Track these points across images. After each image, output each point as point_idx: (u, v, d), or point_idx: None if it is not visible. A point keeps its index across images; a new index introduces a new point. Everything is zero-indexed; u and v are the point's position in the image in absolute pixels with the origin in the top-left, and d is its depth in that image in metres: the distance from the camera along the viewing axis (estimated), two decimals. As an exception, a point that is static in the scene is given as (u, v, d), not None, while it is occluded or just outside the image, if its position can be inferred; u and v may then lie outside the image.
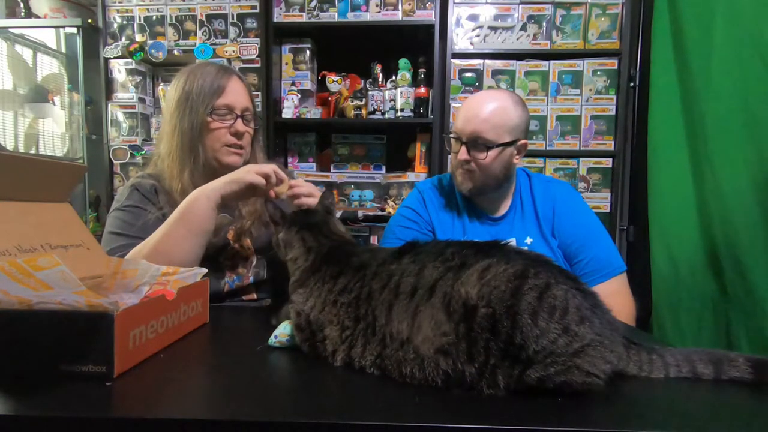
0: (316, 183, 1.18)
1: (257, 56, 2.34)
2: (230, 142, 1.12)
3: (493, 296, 0.54)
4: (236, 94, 1.13)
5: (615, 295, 1.19)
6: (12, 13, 2.47)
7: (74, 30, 2.37)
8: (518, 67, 2.26)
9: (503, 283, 0.54)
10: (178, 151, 1.10)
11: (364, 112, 2.34)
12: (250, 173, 0.98)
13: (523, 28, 2.25)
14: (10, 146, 2.34)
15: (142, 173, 1.19)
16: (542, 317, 0.52)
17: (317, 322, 0.66)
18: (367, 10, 2.29)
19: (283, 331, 0.70)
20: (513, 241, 1.25)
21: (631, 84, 2.22)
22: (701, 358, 0.60)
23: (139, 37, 2.39)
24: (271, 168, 0.99)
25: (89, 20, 2.39)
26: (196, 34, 2.38)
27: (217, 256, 1.11)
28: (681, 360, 0.60)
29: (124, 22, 2.41)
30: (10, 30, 2.34)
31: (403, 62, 2.31)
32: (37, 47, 2.44)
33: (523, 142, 1.25)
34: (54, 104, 2.44)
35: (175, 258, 0.93)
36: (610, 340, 0.55)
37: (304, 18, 2.31)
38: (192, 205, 0.97)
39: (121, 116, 2.42)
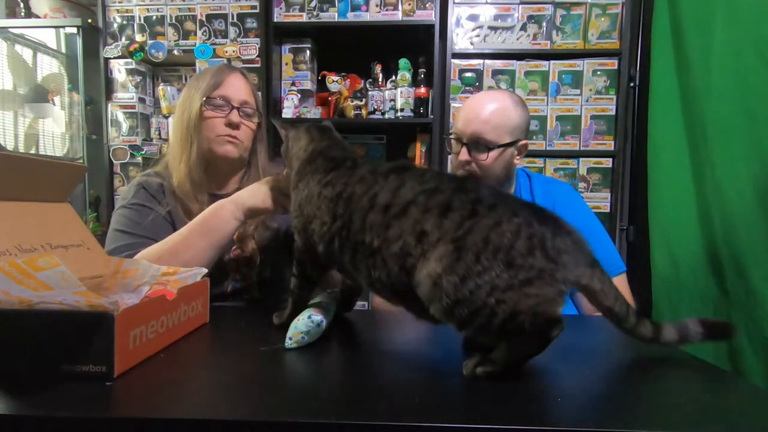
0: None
1: (257, 56, 2.34)
2: (224, 132, 1.12)
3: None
4: (234, 87, 1.14)
5: (615, 295, 1.19)
6: (12, 13, 2.47)
7: (74, 30, 2.38)
8: (518, 67, 2.26)
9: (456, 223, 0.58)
10: (178, 143, 1.13)
11: (364, 112, 2.34)
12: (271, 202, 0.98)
13: (523, 28, 2.25)
14: (10, 146, 2.34)
15: (149, 171, 1.19)
16: (485, 256, 0.55)
17: (308, 218, 0.72)
18: (367, 10, 2.29)
19: (295, 331, 0.69)
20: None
21: (631, 84, 2.21)
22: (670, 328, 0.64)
23: (139, 37, 2.39)
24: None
25: (89, 20, 2.39)
26: (196, 34, 2.38)
27: (221, 257, 1.11)
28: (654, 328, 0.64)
29: (124, 22, 2.40)
30: (10, 30, 2.34)
31: (403, 62, 2.31)
32: (37, 47, 2.44)
33: (523, 142, 1.25)
34: (54, 104, 2.44)
35: (191, 267, 0.92)
36: (569, 262, 0.56)
37: (304, 18, 2.31)
38: (216, 220, 0.97)
39: (121, 116, 2.42)
